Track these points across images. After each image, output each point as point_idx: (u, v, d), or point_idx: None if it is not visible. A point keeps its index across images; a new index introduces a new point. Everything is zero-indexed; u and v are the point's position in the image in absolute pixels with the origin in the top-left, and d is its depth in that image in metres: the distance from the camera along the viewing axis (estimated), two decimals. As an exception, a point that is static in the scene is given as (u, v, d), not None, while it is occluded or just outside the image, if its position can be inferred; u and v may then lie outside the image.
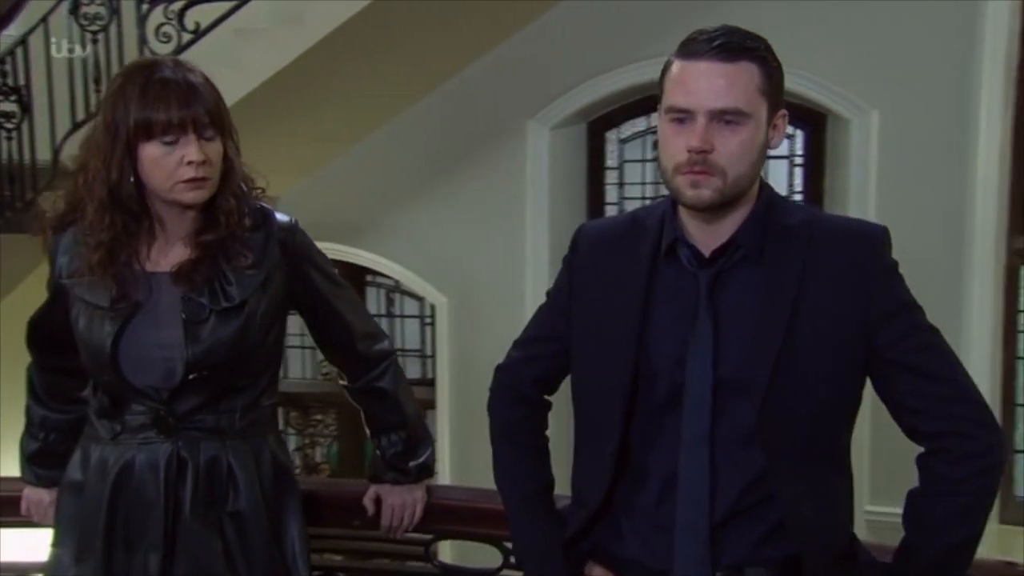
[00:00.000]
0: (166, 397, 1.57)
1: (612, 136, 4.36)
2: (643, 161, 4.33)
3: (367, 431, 1.79)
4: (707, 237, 1.38)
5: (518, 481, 1.58)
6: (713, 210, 1.35)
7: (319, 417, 4.89)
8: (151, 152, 1.51)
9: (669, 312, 1.40)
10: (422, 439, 1.76)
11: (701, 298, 1.38)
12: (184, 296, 1.57)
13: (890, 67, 3.67)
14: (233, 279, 1.57)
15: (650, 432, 1.40)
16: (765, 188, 1.40)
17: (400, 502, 1.75)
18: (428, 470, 1.76)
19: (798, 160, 4.10)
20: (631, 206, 4.34)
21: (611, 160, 4.37)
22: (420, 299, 4.67)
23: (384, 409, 1.74)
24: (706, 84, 1.29)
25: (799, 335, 1.32)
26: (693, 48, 1.32)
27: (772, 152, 4.26)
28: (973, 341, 3.59)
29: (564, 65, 4.10)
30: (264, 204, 1.66)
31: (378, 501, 1.77)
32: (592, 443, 1.46)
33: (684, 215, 1.40)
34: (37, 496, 1.79)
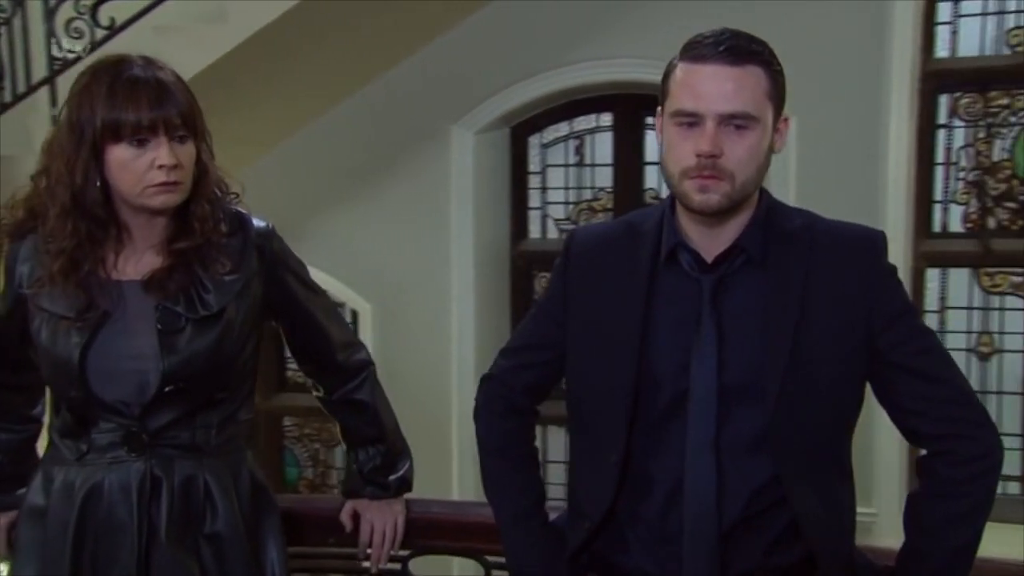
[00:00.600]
0: (137, 413, 1.49)
1: (535, 141, 4.36)
2: (565, 166, 4.34)
3: (343, 444, 1.75)
4: (709, 242, 1.38)
5: (512, 497, 1.55)
6: (718, 215, 1.35)
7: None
8: (119, 155, 1.43)
9: (670, 318, 1.39)
10: (401, 452, 1.73)
11: (704, 303, 1.37)
12: (158, 305, 1.50)
13: (806, 74, 3.77)
14: (211, 286, 1.51)
15: (653, 440, 1.40)
16: (765, 193, 1.41)
17: (380, 518, 1.70)
18: (408, 484, 1.73)
19: (718, 165, 4.17)
20: (554, 211, 4.37)
21: (534, 165, 4.37)
22: (342, 305, 4.58)
23: (362, 422, 1.69)
24: (715, 88, 1.29)
25: (807, 339, 1.33)
26: (699, 51, 1.32)
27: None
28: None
29: (488, 70, 4.09)
30: (240, 209, 1.60)
31: (356, 517, 1.73)
32: (593, 452, 1.45)
33: (685, 220, 1.40)
34: None
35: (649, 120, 4.23)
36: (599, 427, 1.44)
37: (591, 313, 1.47)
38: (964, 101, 3.90)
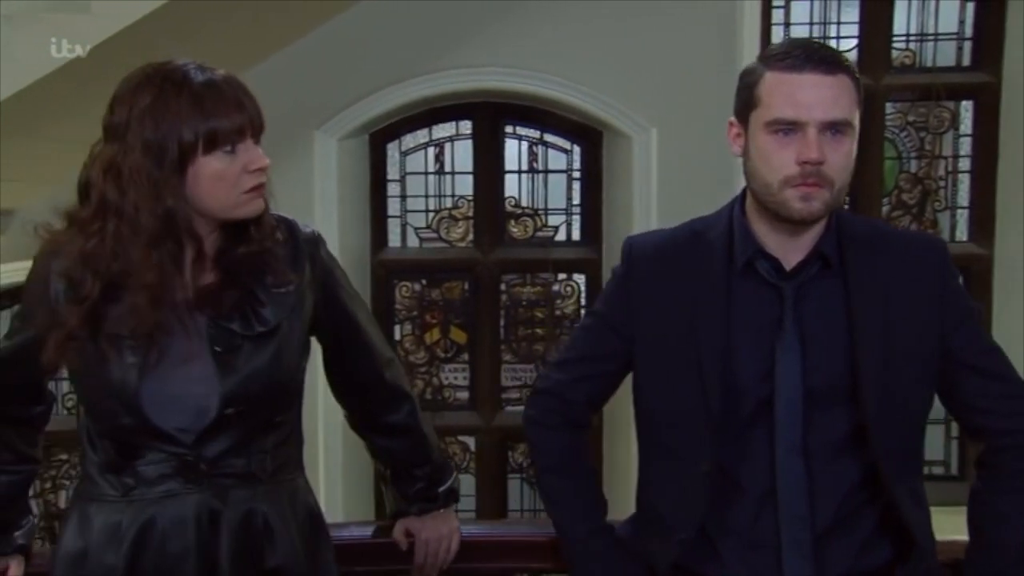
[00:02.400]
0: (191, 440, 1.36)
1: (394, 148, 4.30)
2: (425, 174, 4.31)
3: (381, 468, 1.65)
4: (789, 249, 1.42)
5: (582, 514, 1.53)
6: (814, 223, 1.40)
7: (63, 457, 4.32)
8: (213, 166, 1.31)
9: (751, 326, 1.42)
10: (443, 464, 1.66)
11: (787, 310, 1.41)
12: (211, 322, 1.37)
13: (667, 88, 3.97)
14: (266, 300, 1.39)
15: (738, 448, 1.41)
16: None
17: (436, 536, 1.61)
18: (456, 495, 1.66)
19: (576, 175, 4.30)
20: (414, 219, 4.32)
21: (393, 173, 4.31)
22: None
23: (409, 446, 1.61)
24: (815, 96, 1.33)
25: (893, 341, 1.38)
26: (792, 61, 1.34)
27: (552, 167, 4.43)
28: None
29: (351, 76, 3.99)
30: (283, 214, 1.50)
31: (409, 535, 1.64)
32: (676, 463, 1.44)
33: (763, 227, 1.43)
34: None
35: (508, 128, 4.30)
36: (684, 438, 1.44)
37: (663, 323, 1.46)
38: (798, 117, 4.24)
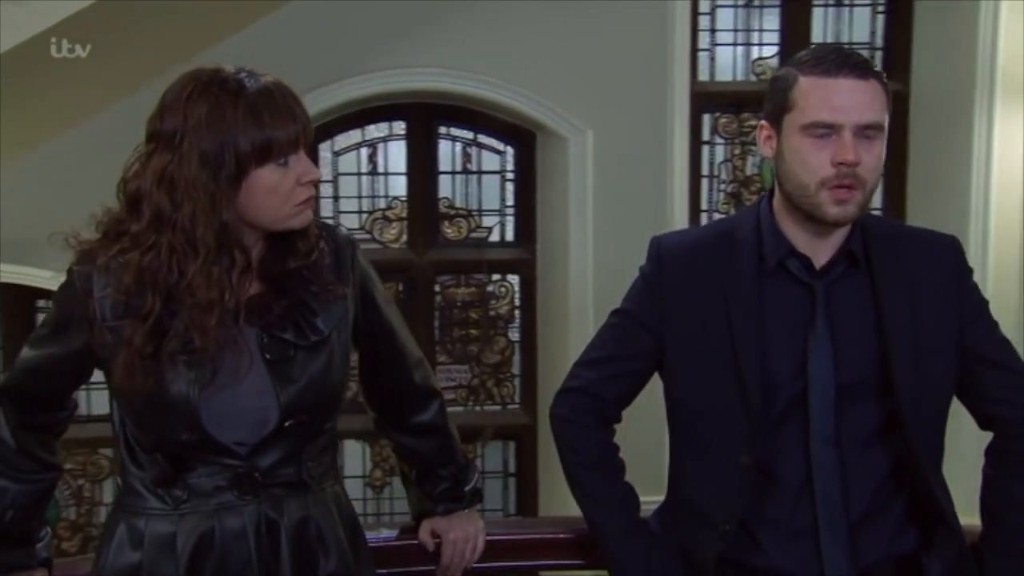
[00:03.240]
0: (246, 453, 1.33)
1: (326, 148, 4.24)
2: (358, 174, 4.27)
3: (406, 469, 1.65)
4: (818, 248, 1.48)
5: (620, 510, 1.57)
6: (844, 225, 1.46)
7: None
8: (267, 178, 1.29)
9: (783, 323, 1.47)
10: (467, 464, 1.67)
11: (819, 307, 1.47)
12: (262, 332, 1.35)
13: (602, 89, 4.05)
14: (317, 309, 1.38)
15: (773, 442, 1.46)
16: None
17: (463, 536, 1.62)
18: (480, 495, 1.67)
19: (509, 176, 4.33)
20: (347, 220, 4.27)
21: (325, 173, 4.25)
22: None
23: (435, 446, 1.62)
24: (850, 100, 1.38)
25: (921, 336, 1.46)
26: (826, 66, 1.40)
27: (486, 167, 4.49)
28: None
29: (284, 76, 3.91)
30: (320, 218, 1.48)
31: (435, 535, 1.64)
32: (714, 458, 1.49)
33: (793, 228, 1.48)
34: None
35: (442, 129, 4.30)
36: (722, 432, 1.48)
37: (697, 322, 1.51)
38: (723, 120, 4.39)
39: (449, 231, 4.34)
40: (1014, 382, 1.54)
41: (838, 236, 1.49)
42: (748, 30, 4.36)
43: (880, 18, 4.37)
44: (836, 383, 1.46)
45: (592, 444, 1.60)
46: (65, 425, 1.50)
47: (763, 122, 1.50)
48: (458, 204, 4.33)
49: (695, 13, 4.20)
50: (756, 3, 4.35)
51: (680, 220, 4.10)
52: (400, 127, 4.27)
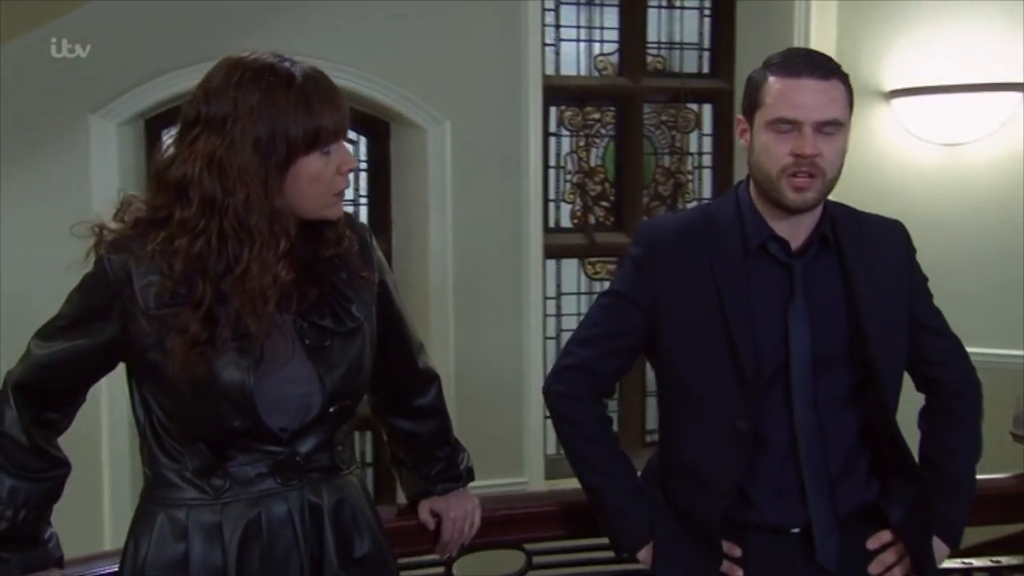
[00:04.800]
0: (287, 438, 1.31)
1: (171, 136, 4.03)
2: (206, 163, 4.09)
3: (401, 453, 1.65)
4: (793, 232, 1.63)
5: (622, 477, 1.66)
6: (809, 210, 1.60)
7: None
8: (312, 166, 1.29)
9: (766, 299, 1.61)
10: (458, 445, 1.70)
11: (797, 285, 1.61)
12: (300, 319, 1.34)
13: (459, 80, 4.09)
14: (352, 296, 1.38)
15: (761, 407, 1.60)
16: None
17: (462, 513, 1.65)
18: (472, 473, 1.70)
19: (362, 166, 4.29)
20: (194, 210, 4.09)
21: (169, 161, 4.04)
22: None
23: (436, 428, 1.64)
24: (811, 99, 1.53)
25: (884, 310, 1.62)
26: (793, 68, 1.55)
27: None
28: (531, 321, 4.22)
29: (130, 61, 3.71)
30: None
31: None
32: (716, 424, 1.59)
33: (770, 213, 1.62)
34: None
35: (293, 119, 4.20)
36: (720, 400, 1.59)
37: (689, 299, 1.61)
38: (568, 113, 4.56)
39: (302, 222, 4.24)
40: (949, 346, 1.75)
41: (808, 221, 1.63)
42: (590, 27, 4.55)
43: (707, 21, 4.67)
44: (813, 353, 1.60)
45: (592, 417, 1.67)
46: (71, 420, 1.42)
47: (740, 116, 1.63)
48: (311, 194, 4.24)
49: (542, 9, 4.32)
50: (597, 1, 4.53)
51: (535, 209, 4.23)
52: (249, 115, 4.13)
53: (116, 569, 1.43)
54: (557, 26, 4.49)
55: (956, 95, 4.11)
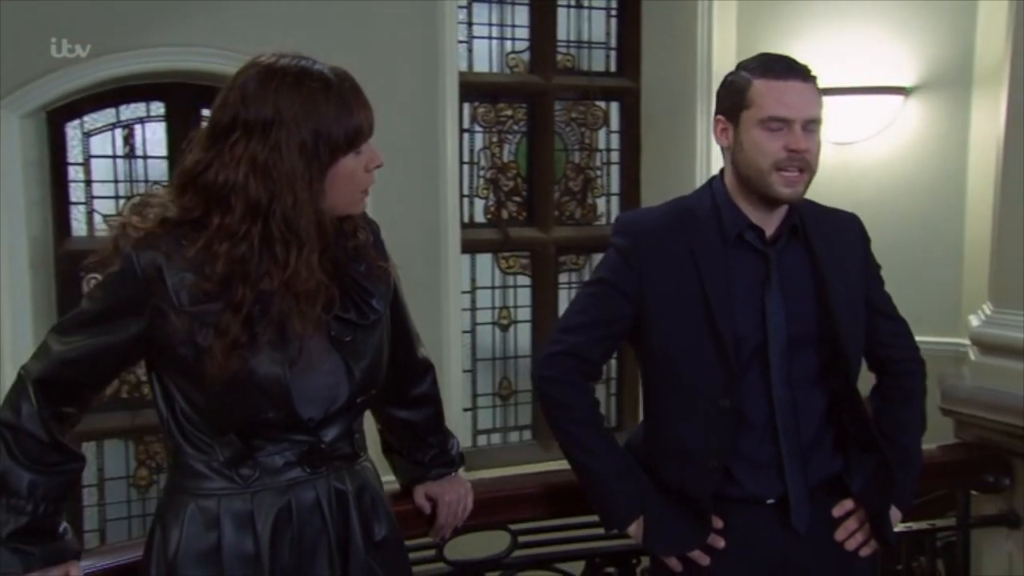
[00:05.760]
0: (313, 427, 1.34)
1: (75, 128, 3.89)
2: (114, 157, 3.96)
3: (394, 441, 1.67)
4: (767, 222, 1.73)
5: (614, 456, 1.73)
6: (796, 201, 1.70)
7: None
8: (348, 165, 1.32)
9: (744, 285, 1.70)
10: (448, 431, 1.73)
11: (773, 271, 1.71)
12: (325, 313, 1.37)
13: (376, 75, 4.02)
14: (373, 289, 1.42)
15: (741, 386, 1.69)
16: None
17: (456, 497, 1.68)
18: (463, 457, 1.74)
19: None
20: (103, 206, 3.96)
21: (75, 155, 3.90)
22: None
23: (431, 415, 1.67)
24: (799, 99, 1.64)
25: (849, 295, 1.74)
26: (778, 72, 1.65)
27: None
28: (450, 315, 4.25)
29: (34, 49, 3.57)
30: None
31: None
32: (701, 403, 1.67)
33: (747, 205, 1.71)
34: None
35: (205, 112, 4.11)
36: (699, 379, 1.67)
37: (673, 287, 1.69)
38: (481, 110, 4.61)
39: (215, 218, 4.15)
40: (900, 329, 1.89)
41: (780, 212, 1.73)
42: (502, 25, 4.61)
43: (613, 21, 4.80)
44: (788, 334, 1.71)
45: (582, 400, 1.73)
46: (84, 415, 1.40)
47: (719, 117, 1.72)
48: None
49: (456, 6, 4.36)
50: (508, 0, 4.60)
51: (452, 205, 4.26)
52: (159, 108, 4.02)
53: (130, 560, 1.42)
54: (469, 23, 4.53)
55: (846, 96, 4.33)
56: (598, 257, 5.15)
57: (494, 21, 4.59)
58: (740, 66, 1.72)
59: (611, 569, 1.97)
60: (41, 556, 1.33)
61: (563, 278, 4.82)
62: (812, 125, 1.67)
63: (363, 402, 1.42)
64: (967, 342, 2.41)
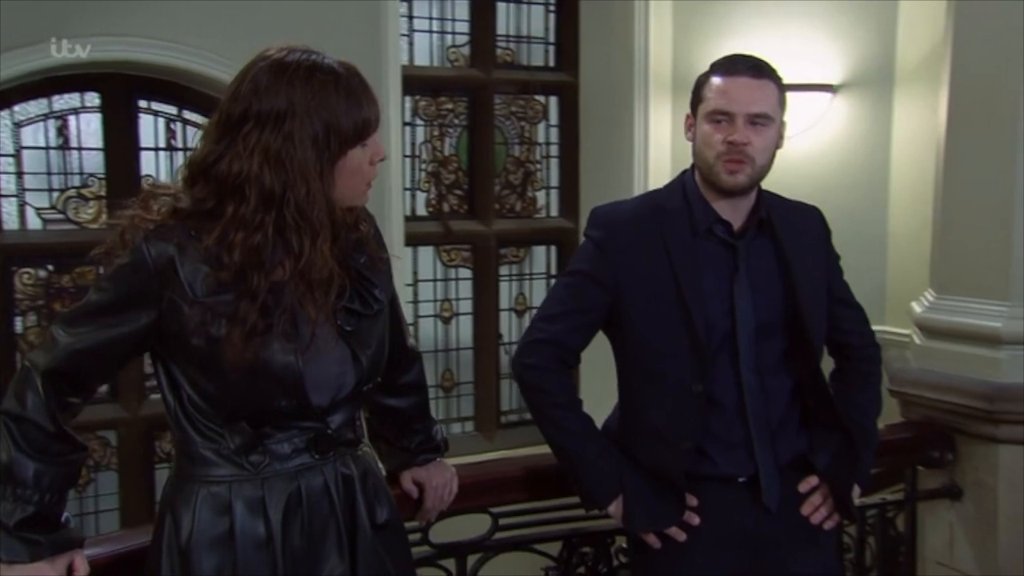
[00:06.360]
0: (320, 414, 1.37)
1: (5, 119, 3.77)
2: (47, 148, 3.86)
3: (378, 427, 1.69)
4: (734, 215, 1.80)
5: (593, 438, 1.78)
6: (743, 192, 1.77)
7: None
8: (356, 158, 1.34)
9: (714, 276, 1.77)
10: (432, 418, 1.76)
11: (741, 262, 1.78)
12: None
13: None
14: (376, 280, 1.44)
15: (712, 371, 1.76)
16: None
17: (442, 481, 1.71)
18: (447, 442, 1.76)
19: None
20: (36, 199, 3.86)
21: (6, 146, 3.79)
22: None
23: (417, 402, 1.70)
24: (744, 95, 1.71)
25: (812, 285, 1.82)
26: (730, 68, 1.74)
27: (191, 145, 4.38)
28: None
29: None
30: None
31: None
32: (674, 387, 1.73)
33: (714, 199, 1.78)
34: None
35: (142, 103, 4.04)
36: (678, 365, 1.73)
37: (647, 277, 1.75)
38: (422, 103, 4.62)
39: (154, 211, 4.08)
40: (859, 316, 1.98)
41: (745, 205, 1.80)
42: (442, 18, 4.62)
43: (552, 16, 4.85)
44: (755, 321, 1.78)
45: (563, 386, 1.78)
46: (85, 406, 1.40)
47: (687, 114, 1.79)
48: (165, 179, 4.08)
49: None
50: (448, -7, 4.62)
51: (396, 198, 4.26)
52: (94, 98, 3.93)
53: (133, 547, 1.41)
54: (410, 17, 4.53)
55: (778, 93, 4.46)
56: (538, 250, 5.27)
57: (434, 15, 4.60)
58: (711, 65, 1.79)
59: (587, 549, 2.02)
60: (48, 545, 1.33)
61: (504, 271, 4.86)
62: (759, 119, 1.73)
63: (367, 389, 1.45)
64: (893, 329, 2.53)
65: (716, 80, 1.72)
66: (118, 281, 1.32)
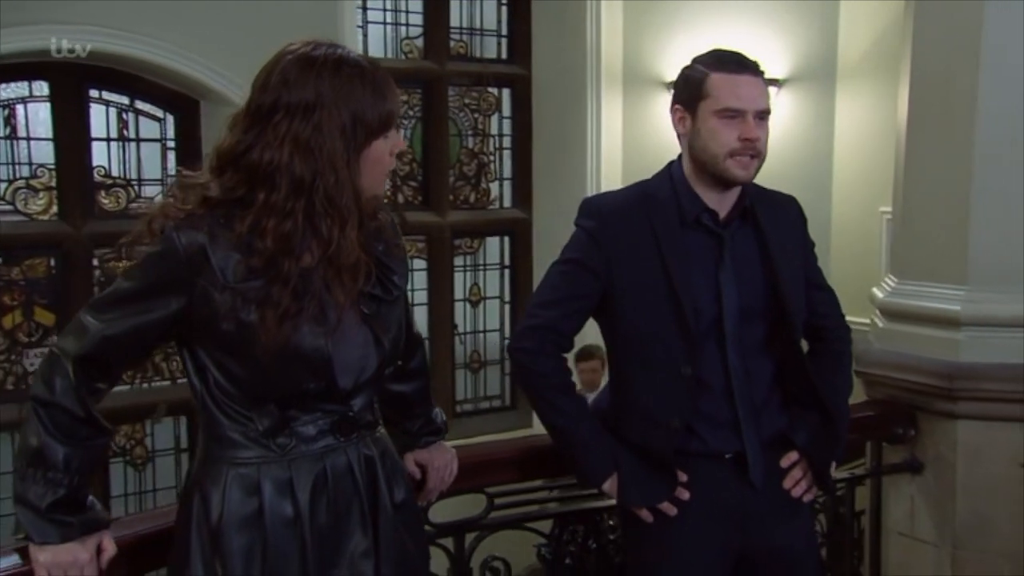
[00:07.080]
0: (343, 397, 1.41)
1: (-46, 107, 3.69)
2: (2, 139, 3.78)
3: (386, 414, 1.71)
4: (721, 205, 1.86)
5: (586, 419, 1.82)
6: (749, 183, 1.84)
7: None
8: (379, 149, 1.36)
9: (701, 263, 1.82)
10: (432, 401, 1.78)
11: (727, 250, 1.85)
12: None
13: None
14: (395, 267, 1.47)
15: (700, 354, 1.82)
16: None
17: (443, 463, 1.74)
18: (447, 424, 1.79)
19: (171, 144, 4.13)
20: (-15, 189, 3.77)
21: (-45, 135, 3.70)
22: None
23: (420, 387, 1.71)
24: (751, 92, 1.76)
25: (792, 271, 1.88)
26: (731, 66, 1.78)
27: (144, 135, 4.42)
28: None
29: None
30: None
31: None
32: (665, 369, 1.78)
33: (703, 189, 1.83)
34: (70, 556, 1.35)
35: (93, 93, 3.97)
36: (662, 349, 1.78)
37: (638, 265, 1.80)
38: (376, 95, 4.61)
39: (106, 202, 4.02)
40: (831, 299, 2.04)
41: (732, 196, 1.86)
42: (396, 11, 4.63)
43: (504, 9, 4.90)
44: (740, 306, 1.85)
45: (557, 369, 1.82)
46: (110, 391, 1.42)
47: (676, 106, 1.84)
48: (115, 173, 4.03)
49: (350, -9, 4.36)
50: (402, -15, 4.63)
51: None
52: (42, 88, 3.85)
53: (157, 528, 1.42)
54: (364, 8, 4.53)
55: (726, 87, 4.56)
56: (492, 240, 5.31)
57: (388, 7, 4.61)
58: (695, 60, 1.84)
59: (579, 527, 2.06)
60: (78, 526, 1.34)
61: (458, 261, 4.89)
62: (763, 115, 1.80)
63: (387, 373, 1.48)
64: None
65: (722, 77, 1.76)
66: (148, 269, 1.33)
